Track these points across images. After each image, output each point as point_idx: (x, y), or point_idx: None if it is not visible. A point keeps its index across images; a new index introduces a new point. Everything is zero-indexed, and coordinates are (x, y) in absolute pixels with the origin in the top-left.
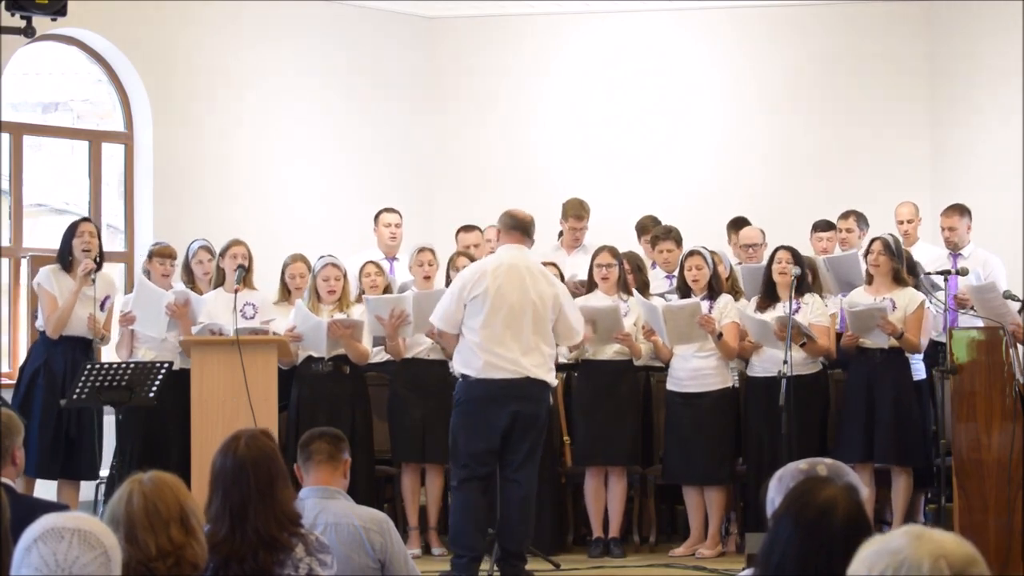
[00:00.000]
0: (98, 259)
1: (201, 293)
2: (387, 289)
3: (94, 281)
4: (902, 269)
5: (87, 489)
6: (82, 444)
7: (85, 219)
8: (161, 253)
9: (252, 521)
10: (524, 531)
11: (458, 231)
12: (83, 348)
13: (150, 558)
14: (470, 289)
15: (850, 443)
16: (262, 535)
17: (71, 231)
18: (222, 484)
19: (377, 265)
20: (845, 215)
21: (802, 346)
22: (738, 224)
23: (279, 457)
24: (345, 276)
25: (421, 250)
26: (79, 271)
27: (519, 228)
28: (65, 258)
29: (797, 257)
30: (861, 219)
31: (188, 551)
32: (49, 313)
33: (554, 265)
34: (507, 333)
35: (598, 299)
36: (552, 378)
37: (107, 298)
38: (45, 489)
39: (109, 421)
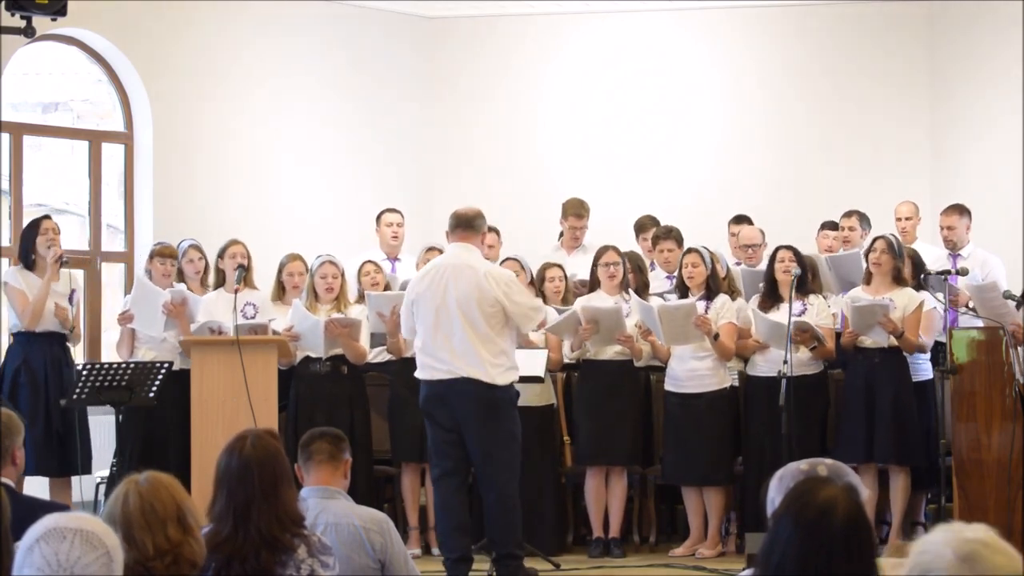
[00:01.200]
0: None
1: (193, 293)
2: (387, 288)
3: (65, 263)
4: (904, 269)
5: (78, 487)
6: (71, 440)
7: (46, 216)
8: (162, 253)
9: (255, 521)
10: (508, 531)
11: None
12: (60, 344)
13: (148, 557)
14: (409, 296)
15: (850, 443)
16: (264, 535)
17: (33, 230)
18: (227, 483)
19: (375, 264)
20: (848, 214)
21: (812, 349)
22: (740, 221)
23: (284, 458)
24: (343, 275)
25: (430, 249)
26: (49, 259)
27: (460, 225)
28: (28, 257)
29: (798, 257)
30: (863, 219)
31: (186, 549)
32: (21, 309)
33: (558, 267)
34: (438, 335)
35: (600, 299)
36: (499, 376)
37: (73, 292)
38: (36, 488)
39: (108, 421)
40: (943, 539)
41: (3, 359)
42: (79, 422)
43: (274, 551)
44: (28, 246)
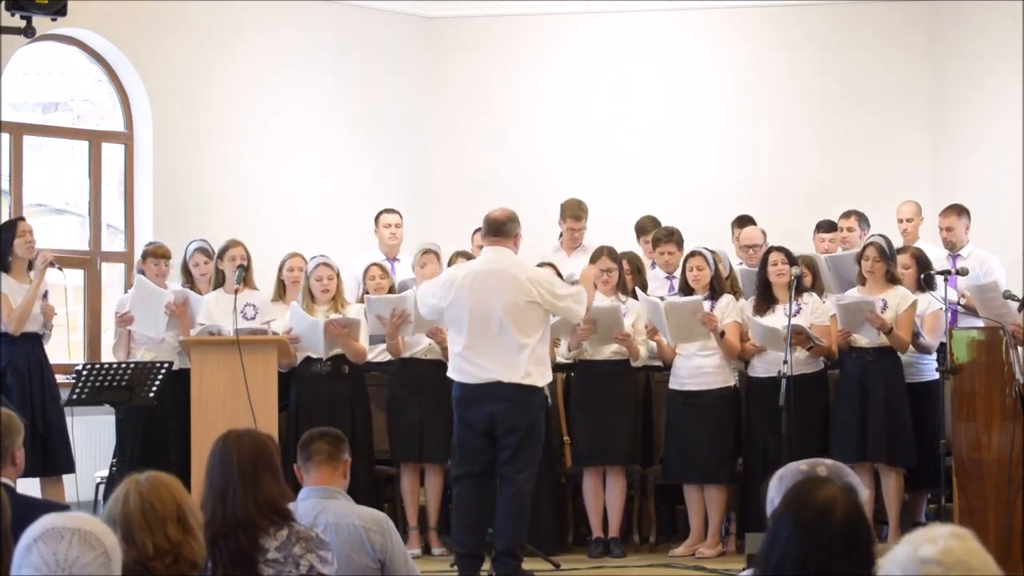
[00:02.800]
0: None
1: (201, 294)
2: (391, 291)
3: (60, 269)
4: (895, 269)
5: (70, 487)
6: (54, 440)
7: (20, 218)
8: (155, 253)
9: (231, 503)
10: (513, 530)
11: (474, 232)
12: (39, 344)
13: (147, 557)
14: (442, 296)
15: (843, 443)
16: (240, 517)
17: (9, 232)
18: (210, 473)
19: (381, 267)
20: (846, 215)
21: (809, 349)
22: (743, 222)
23: (270, 452)
24: (338, 275)
25: (426, 251)
26: (38, 264)
27: (493, 231)
28: (4, 259)
29: (791, 257)
30: (862, 219)
31: (186, 549)
32: (6, 314)
33: (552, 266)
34: (479, 340)
35: (597, 299)
36: (539, 378)
37: (47, 292)
38: (28, 489)
39: (108, 421)
40: (906, 559)
41: None
42: (58, 422)
43: (249, 533)
44: (5, 248)
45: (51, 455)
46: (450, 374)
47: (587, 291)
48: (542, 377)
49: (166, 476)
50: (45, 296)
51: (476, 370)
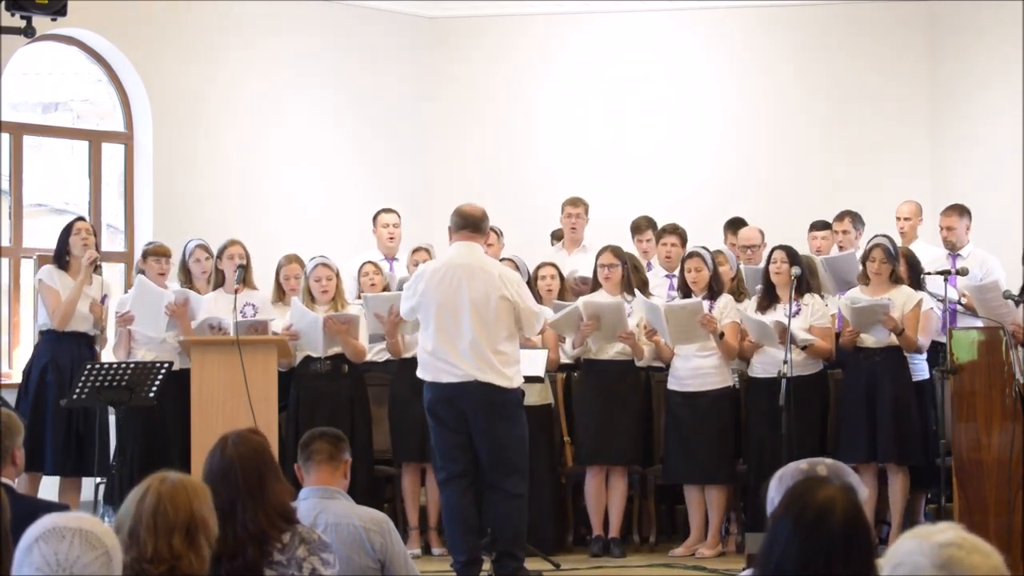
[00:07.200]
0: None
1: (200, 292)
2: (386, 289)
3: (99, 269)
4: (899, 269)
5: (87, 488)
6: (91, 440)
7: (80, 218)
8: (156, 252)
9: (241, 518)
10: (512, 532)
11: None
12: (87, 344)
13: (144, 559)
14: (414, 291)
15: (852, 443)
16: (251, 531)
17: (68, 230)
18: (210, 485)
19: (375, 265)
20: (840, 217)
21: (803, 349)
22: (735, 225)
23: (269, 453)
24: (338, 275)
25: (417, 250)
26: (84, 261)
27: (467, 226)
28: (62, 258)
29: (794, 256)
30: (856, 220)
31: (184, 563)
32: (53, 308)
33: (552, 265)
34: (449, 337)
35: (601, 297)
36: (507, 379)
37: (105, 296)
38: (46, 487)
39: (109, 421)
40: (916, 548)
41: (30, 356)
42: (98, 423)
43: (262, 545)
44: (62, 246)
45: (87, 456)
46: (419, 374)
47: (547, 332)
48: (516, 377)
49: (193, 483)
50: (103, 300)
51: (448, 367)
